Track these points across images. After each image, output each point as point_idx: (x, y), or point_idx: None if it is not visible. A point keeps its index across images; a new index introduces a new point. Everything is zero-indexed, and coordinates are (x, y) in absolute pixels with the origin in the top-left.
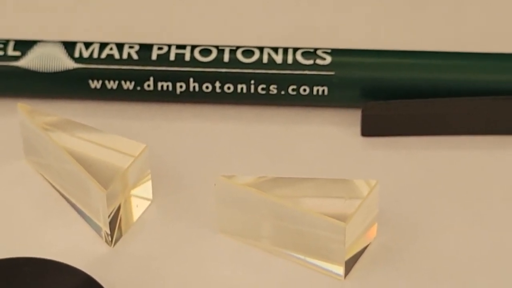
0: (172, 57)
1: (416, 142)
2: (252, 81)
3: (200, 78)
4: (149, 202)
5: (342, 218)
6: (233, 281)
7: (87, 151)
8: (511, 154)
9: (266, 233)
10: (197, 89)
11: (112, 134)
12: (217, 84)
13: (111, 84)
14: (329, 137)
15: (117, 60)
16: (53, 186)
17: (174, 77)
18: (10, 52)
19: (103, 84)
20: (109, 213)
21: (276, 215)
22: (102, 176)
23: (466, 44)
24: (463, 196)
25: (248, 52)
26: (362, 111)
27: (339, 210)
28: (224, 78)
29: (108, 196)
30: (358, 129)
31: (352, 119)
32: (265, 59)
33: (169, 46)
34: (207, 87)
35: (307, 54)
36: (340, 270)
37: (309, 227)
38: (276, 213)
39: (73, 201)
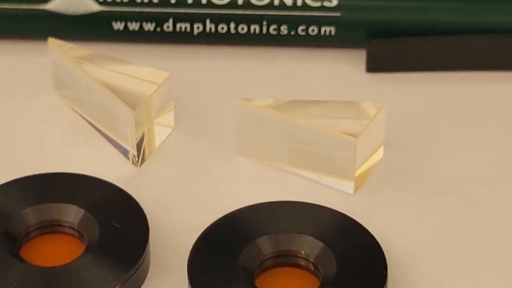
0: (190, 0)
1: (418, 77)
2: (264, 22)
3: (216, 20)
4: (171, 129)
5: (353, 135)
6: (251, 198)
7: (115, 80)
8: (506, 88)
9: (283, 154)
10: (213, 30)
11: (137, 65)
12: (232, 25)
13: (133, 26)
14: (336, 74)
15: (138, 3)
16: (83, 117)
17: (191, 19)
18: None
19: (126, 26)
20: (136, 135)
21: (292, 136)
22: (130, 101)
23: None
24: (463, 124)
25: None
26: (367, 48)
27: (350, 129)
28: (238, 19)
29: (135, 120)
30: (363, 66)
31: (357, 57)
32: (276, 1)
33: None
34: (222, 28)
35: None
36: (350, 186)
37: (322, 147)
38: (292, 133)
39: (102, 129)
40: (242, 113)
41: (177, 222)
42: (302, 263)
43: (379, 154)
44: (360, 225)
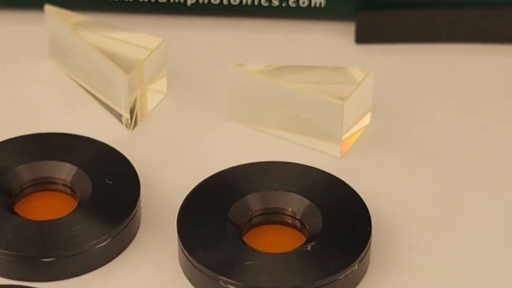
0: None
1: (406, 48)
2: None
3: None
4: (163, 95)
5: (340, 98)
6: (241, 160)
7: (109, 46)
8: (491, 59)
9: (273, 118)
10: (206, 1)
11: (131, 31)
12: None
13: None
14: (326, 45)
15: None
16: (78, 83)
17: None
18: None
19: None
20: (130, 100)
21: (282, 100)
22: (124, 66)
23: None
24: (449, 93)
25: None
26: (356, 20)
27: (337, 93)
28: None
29: (129, 84)
30: (352, 38)
31: (347, 29)
32: None
33: None
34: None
35: None
36: (337, 149)
37: (311, 111)
38: (282, 97)
39: (97, 94)
40: (234, 78)
41: (168, 181)
42: (289, 220)
43: (366, 119)
44: (346, 184)
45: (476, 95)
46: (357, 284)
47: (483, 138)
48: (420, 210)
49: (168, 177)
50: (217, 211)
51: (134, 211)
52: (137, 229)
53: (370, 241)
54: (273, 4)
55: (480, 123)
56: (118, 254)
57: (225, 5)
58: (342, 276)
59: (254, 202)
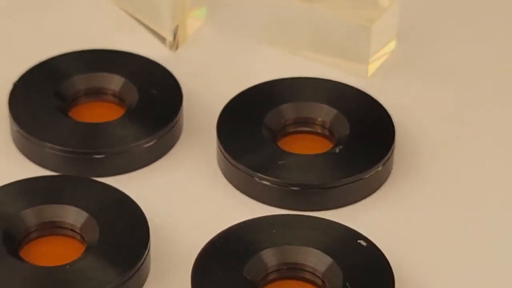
0: None
1: None
2: None
3: None
4: (202, 23)
5: (369, 21)
6: (273, 77)
7: None
8: None
9: (304, 41)
10: None
11: None
12: None
13: None
14: None
15: None
16: (125, 11)
17: None
18: None
19: None
20: (173, 25)
21: (314, 24)
22: None
23: None
24: (469, 24)
25: None
26: None
27: (366, 16)
28: None
29: (172, 7)
30: None
31: None
32: None
33: None
34: None
35: None
36: (364, 70)
37: (340, 34)
38: (314, 21)
39: (142, 19)
40: (269, 4)
41: (207, 94)
42: (319, 130)
43: (392, 45)
44: (371, 96)
45: (494, 24)
46: (381, 185)
47: (501, 62)
48: (441, 124)
49: (207, 91)
50: (253, 118)
51: (178, 116)
52: (180, 134)
53: (394, 146)
54: None
55: (497, 49)
56: (163, 155)
57: None
58: (367, 176)
59: (288, 111)
